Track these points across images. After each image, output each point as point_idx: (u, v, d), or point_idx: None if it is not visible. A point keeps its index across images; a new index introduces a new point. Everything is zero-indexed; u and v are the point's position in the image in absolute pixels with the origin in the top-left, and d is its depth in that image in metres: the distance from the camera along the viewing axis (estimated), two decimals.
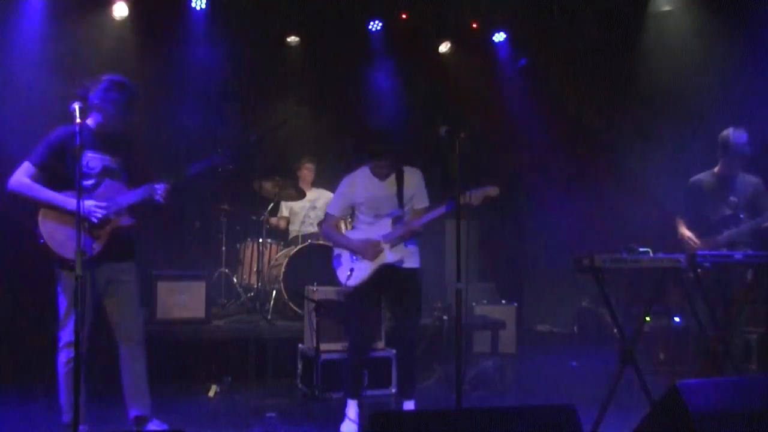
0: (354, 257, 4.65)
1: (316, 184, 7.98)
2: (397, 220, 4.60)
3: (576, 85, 8.44)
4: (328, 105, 8.73)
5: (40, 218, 3.95)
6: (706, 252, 4.36)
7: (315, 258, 6.74)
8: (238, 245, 7.61)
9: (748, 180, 5.34)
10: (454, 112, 8.75)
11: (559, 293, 8.81)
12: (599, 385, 4.76)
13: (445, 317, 6.64)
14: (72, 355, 3.84)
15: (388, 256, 4.58)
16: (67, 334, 4.00)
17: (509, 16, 8.65)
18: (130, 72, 7.40)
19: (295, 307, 6.57)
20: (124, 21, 7.57)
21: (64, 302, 4.02)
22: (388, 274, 4.60)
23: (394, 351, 5.67)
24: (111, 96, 4.05)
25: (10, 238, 6.18)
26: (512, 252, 8.99)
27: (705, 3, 7.75)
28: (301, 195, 7.45)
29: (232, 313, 7.00)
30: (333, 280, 6.30)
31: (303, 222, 7.80)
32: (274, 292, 6.84)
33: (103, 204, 4.00)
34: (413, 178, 4.65)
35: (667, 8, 8.11)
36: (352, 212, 4.82)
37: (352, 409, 4.66)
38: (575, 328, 8.68)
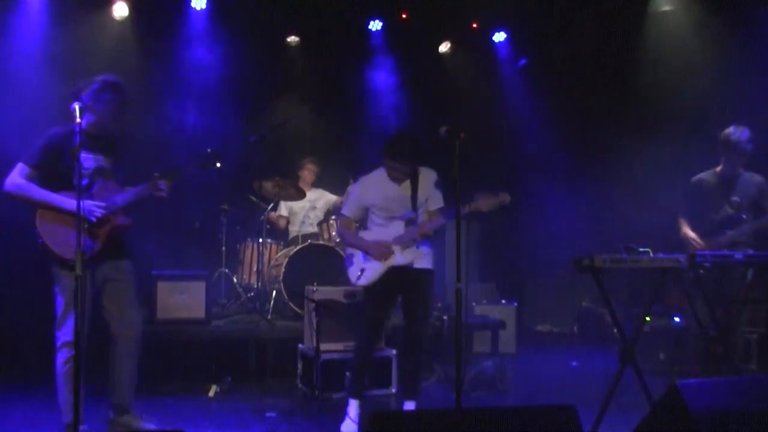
0: (366, 258, 4.66)
1: (316, 184, 7.99)
2: (409, 223, 4.61)
3: (576, 85, 8.44)
4: (328, 105, 8.73)
5: (37, 218, 3.96)
6: (706, 252, 4.36)
7: (315, 258, 6.75)
8: (238, 245, 7.62)
9: (752, 179, 5.32)
10: (454, 112, 8.75)
11: (559, 293, 8.81)
12: (599, 385, 4.76)
13: (445, 317, 6.64)
14: (70, 354, 3.85)
15: (399, 258, 4.59)
16: (64, 334, 4.00)
17: (509, 16, 8.65)
18: (130, 72, 7.48)
19: (295, 307, 6.57)
20: (124, 21, 7.56)
21: (62, 302, 4.02)
22: (398, 276, 4.61)
23: (394, 351, 5.68)
24: (103, 96, 4.06)
25: (9, 238, 6.19)
26: (512, 252, 8.99)
27: (705, 3, 7.75)
28: (301, 195, 7.45)
29: (232, 313, 7.00)
30: (333, 280, 6.35)
31: (303, 222, 7.81)
32: (274, 292, 6.84)
33: (101, 204, 4.02)
34: (428, 180, 4.66)
35: (667, 8, 8.11)
36: (365, 214, 4.82)
37: (353, 409, 4.66)
38: (575, 328, 8.68)
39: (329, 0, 8.20)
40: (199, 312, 6.22)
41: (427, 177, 4.66)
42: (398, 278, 4.61)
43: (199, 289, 6.27)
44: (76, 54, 7.21)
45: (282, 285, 6.64)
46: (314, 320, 5.28)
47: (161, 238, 7.20)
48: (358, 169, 8.00)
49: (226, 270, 7.50)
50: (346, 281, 6.52)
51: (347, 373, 5.52)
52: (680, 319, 6.04)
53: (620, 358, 4.12)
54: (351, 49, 8.65)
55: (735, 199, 5.26)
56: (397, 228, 4.63)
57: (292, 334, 6.17)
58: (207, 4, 7.81)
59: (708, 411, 2.69)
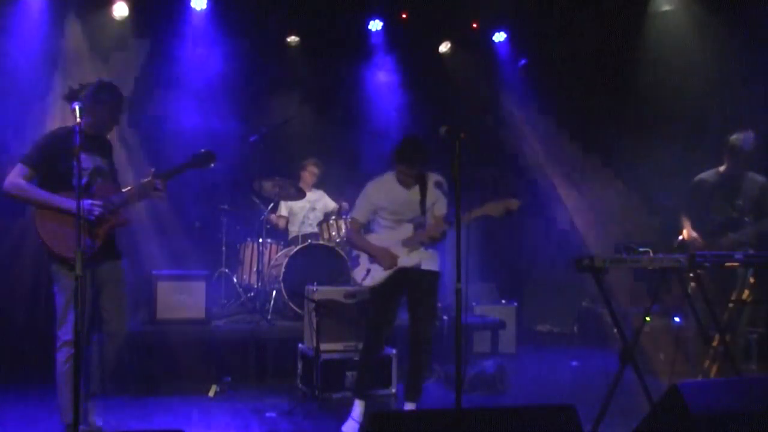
0: (372, 259, 4.67)
1: (317, 185, 8.00)
2: (418, 226, 4.62)
3: (576, 85, 8.44)
4: (328, 105, 8.72)
5: (37, 218, 3.99)
6: (706, 252, 4.36)
7: (315, 258, 6.75)
8: (238, 245, 7.61)
9: (755, 180, 5.31)
10: (453, 112, 8.75)
11: (559, 293, 8.81)
12: (599, 385, 4.76)
13: (445, 317, 6.64)
14: (71, 353, 3.86)
15: (406, 259, 4.61)
16: (65, 333, 4.03)
17: (509, 16, 8.65)
18: (129, 72, 7.48)
19: (295, 307, 6.57)
20: (124, 21, 7.56)
21: (62, 301, 4.04)
22: (405, 277, 4.63)
23: (394, 351, 5.68)
24: (100, 98, 4.12)
25: (7, 239, 6.20)
26: (512, 252, 9.00)
27: (705, 3, 7.75)
28: (301, 195, 7.45)
29: (232, 313, 6.99)
30: (333, 280, 6.35)
31: (302, 223, 7.81)
32: (274, 292, 6.84)
33: (99, 203, 4.05)
34: (436, 185, 4.68)
35: (667, 8, 8.11)
36: (373, 216, 4.83)
37: (357, 408, 4.67)
38: (575, 328, 8.68)
39: (329, 0, 8.20)
40: (199, 312, 6.22)
41: (435, 182, 4.67)
42: (405, 279, 4.62)
43: (199, 289, 6.27)
44: (76, 54, 7.22)
45: (282, 285, 6.64)
46: (314, 320, 5.28)
47: (161, 238, 7.21)
48: (358, 168, 8.06)
49: (226, 270, 7.50)
50: (349, 281, 6.58)
51: (347, 373, 5.53)
52: (680, 319, 6.04)
53: (620, 358, 4.11)
54: (351, 49, 8.65)
55: (739, 202, 5.25)
56: (405, 231, 4.65)
57: (292, 334, 6.17)
58: (207, 4, 7.80)
59: (708, 411, 2.69)
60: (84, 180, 4.04)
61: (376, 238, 4.76)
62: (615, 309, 4.32)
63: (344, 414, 4.69)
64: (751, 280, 4.77)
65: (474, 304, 7.64)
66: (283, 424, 4.79)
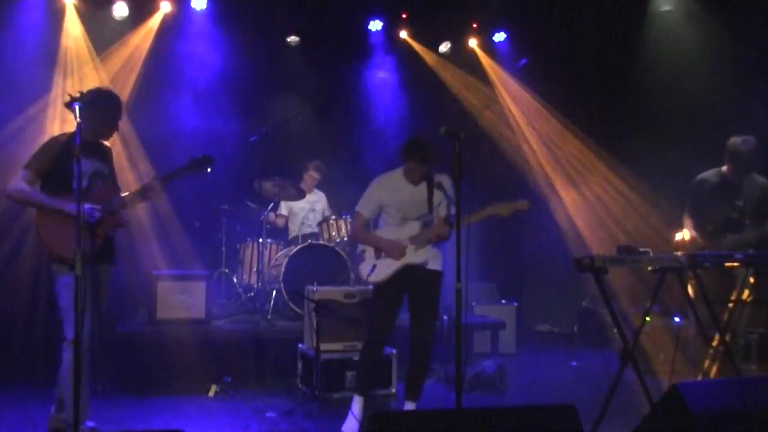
0: (378, 255, 4.66)
1: (318, 186, 8.01)
2: (425, 224, 4.62)
3: (576, 85, 8.45)
4: (328, 105, 8.73)
5: (38, 219, 4.11)
6: (706, 252, 4.36)
7: (315, 258, 6.75)
8: (238, 245, 7.61)
9: (756, 181, 5.30)
10: (453, 112, 8.76)
11: (559, 293, 8.81)
12: (599, 385, 4.76)
13: (445, 317, 6.64)
14: (81, 348, 3.90)
15: (412, 257, 4.60)
16: (71, 332, 4.04)
17: (509, 16, 8.65)
18: (130, 72, 7.47)
19: (295, 307, 6.57)
20: (124, 21, 7.56)
21: (65, 299, 4.08)
22: (410, 275, 4.62)
23: (394, 350, 5.68)
24: (99, 105, 4.22)
25: (5, 240, 6.21)
26: (512, 252, 9.00)
27: (705, 3, 7.75)
28: (300, 195, 7.45)
29: (232, 313, 7.00)
30: (333, 280, 6.35)
31: (302, 223, 7.81)
32: (274, 292, 6.84)
33: (98, 206, 4.14)
34: (443, 185, 4.68)
35: (667, 8, 8.11)
36: (378, 212, 4.83)
37: (357, 405, 4.66)
38: (575, 328, 8.68)
39: (329, 0, 8.21)
40: (199, 312, 6.22)
41: (442, 182, 4.67)
42: (409, 277, 4.61)
43: (199, 289, 6.28)
44: (76, 54, 7.23)
45: (282, 285, 6.64)
46: (314, 320, 5.28)
47: (161, 238, 7.21)
48: (358, 168, 8.06)
49: (226, 270, 7.50)
50: (349, 281, 6.58)
51: (347, 373, 5.53)
52: (680, 319, 6.04)
53: (620, 358, 4.12)
54: (351, 49, 8.65)
55: (739, 203, 5.25)
56: (412, 228, 4.64)
57: (292, 334, 6.17)
58: (207, 4, 7.80)
59: (708, 411, 2.69)
60: (84, 183, 4.08)
61: (382, 235, 4.75)
62: (615, 309, 4.32)
63: (344, 414, 4.69)
64: (751, 280, 4.76)
65: (474, 304, 7.64)
66: (283, 424, 4.79)
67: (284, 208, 7.90)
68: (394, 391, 5.63)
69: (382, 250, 4.64)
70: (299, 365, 5.85)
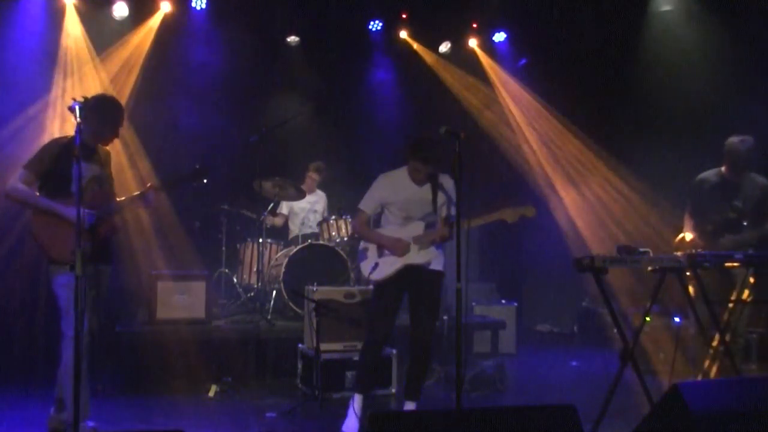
0: (381, 253, 4.66)
1: (320, 186, 8.02)
2: (429, 225, 4.62)
3: (576, 85, 8.45)
4: (328, 105, 8.73)
5: (34, 220, 4.18)
6: (706, 252, 4.36)
7: (315, 258, 6.75)
8: (238, 245, 7.61)
9: (756, 182, 5.30)
10: (453, 112, 8.76)
11: (559, 293, 8.82)
12: (599, 385, 4.77)
13: (445, 317, 6.64)
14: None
15: (416, 256, 4.59)
16: (69, 327, 4.10)
17: (509, 16, 8.65)
18: (130, 72, 7.47)
19: (295, 307, 6.57)
20: (124, 21, 7.57)
21: (63, 297, 4.13)
22: (413, 274, 4.61)
23: (394, 351, 5.68)
24: (102, 111, 4.28)
25: (6, 240, 6.21)
26: (512, 252, 9.01)
27: (705, 3, 7.75)
28: (301, 195, 7.45)
29: (232, 313, 6.99)
30: (333, 280, 6.35)
31: (303, 223, 7.82)
32: (274, 292, 6.84)
33: (92, 211, 4.20)
34: (446, 186, 4.68)
35: (667, 8, 8.11)
36: (381, 211, 4.82)
37: (357, 403, 4.65)
38: (575, 328, 8.68)
39: (329, 0, 8.21)
40: (199, 312, 6.22)
41: (445, 183, 4.68)
42: (411, 277, 4.61)
43: (199, 289, 6.27)
44: (76, 54, 7.23)
45: (282, 285, 6.64)
46: (314, 320, 5.28)
47: (161, 238, 7.21)
48: (358, 168, 8.06)
49: (226, 270, 7.50)
50: (349, 281, 6.59)
51: (347, 373, 5.53)
52: (680, 319, 6.04)
53: (620, 358, 4.12)
54: (351, 49, 8.65)
55: (737, 203, 5.25)
56: (415, 228, 4.64)
57: (292, 334, 6.17)
58: (207, 4, 7.81)
59: (708, 411, 2.69)
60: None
61: (385, 234, 4.74)
62: (615, 309, 4.32)
63: (344, 414, 4.68)
64: (751, 280, 4.76)
65: (474, 304, 7.64)
66: (283, 424, 4.79)
67: (285, 207, 7.90)
68: (394, 391, 5.63)
69: (385, 246, 4.63)
70: (299, 365, 5.85)
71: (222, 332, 6.25)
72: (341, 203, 7.67)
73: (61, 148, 4.21)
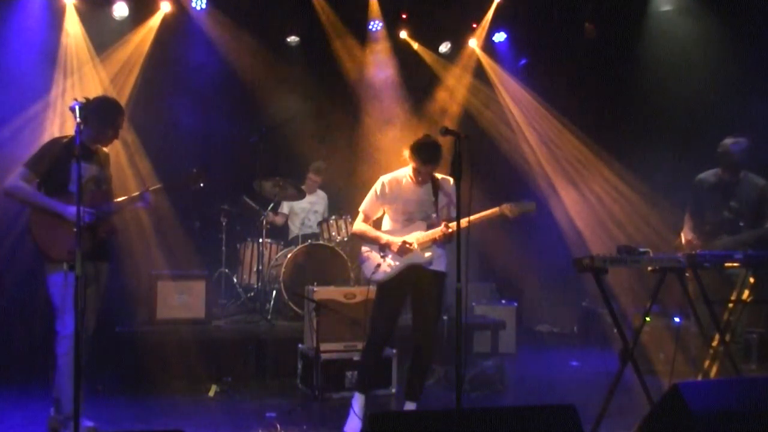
0: (382, 253, 4.66)
1: (320, 186, 8.02)
2: (431, 225, 4.62)
3: (576, 85, 8.45)
4: (327, 105, 8.72)
5: (31, 218, 4.21)
6: (706, 252, 4.36)
7: (315, 258, 6.75)
8: (238, 245, 7.61)
9: (753, 182, 5.30)
10: (453, 112, 8.76)
11: (559, 293, 8.81)
12: (599, 385, 4.76)
13: (445, 317, 6.64)
14: (69, 346, 4.02)
15: (417, 256, 4.59)
16: (63, 328, 4.16)
17: (509, 16, 8.65)
18: (130, 72, 7.46)
19: (295, 307, 6.57)
20: (124, 21, 7.56)
21: (57, 296, 4.17)
22: (415, 275, 4.61)
23: (394, 351, 5.68)
24: (103, 113, 4.33)
25: (6, 238, 6.21)
26: (512, 252, 9.00)
27: (705, 3, 7.75)
28: (301, 195, 7.45)
29: (232, 313, 7.00)
30: (333, 280, 6.35)
31: (303, 224, 7.82)
32: (274, 292, 6.84)
33: (91, 210, 4.22)
34: (447, 187, 4.69)
35: (667, 8, 8.11)
36: (382, 214, 4.82)
37: (357, 402, 4.64)
38: (575, 328, 8.68)
39: (329, 0, 8.21)
40: (199, 312, 6.23)
41: (446, 185, 4.68)
42: (414, 277, 4.61)
43: (199, 289, 6.28)
44: (76, 54, 7.22)
45: (282, 285, 6.64)
46: (314, 320, 5.28)
47: (161, 238, 7.20)
48: (358, 168, 8.06)
49: (226, 270, 7.50)
50: (349, 281, 6.58)
51: (347, 373, 5.53)
52: (680, 319, 6.04)
53: (620, 358, 4.11)
54: (351, 49, 8.65)
55: (733, 204, 5.25)
56: (416, 229, 4.63)
57: (292, 334, 6.17)
58: (207, 4, 7.80)
59: (708, 411, 2.69)
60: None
61: (387, 234, 4.74)
62: (615, 309, 4.32)
63: (344, 414, 4.68)
64: (751, 280, 4.76)
65: (474, 304, 7.64)
66: (283, 424, 4.79)
67: (285, 207, 7.91)
68: (394, 391, 5.63)
69: (387, 247, 4.63)
70: (299, 365, 5.85)
71: (222, 332, 6.26)
72: (341, 203, 7.68)
73: (62, 147, 4.24)
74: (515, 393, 5.88)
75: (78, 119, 3.68)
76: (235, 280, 7.42)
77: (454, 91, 9.06)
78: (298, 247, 6.83)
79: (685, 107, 7.59)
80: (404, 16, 8.73)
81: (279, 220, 7.87)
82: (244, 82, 8.12)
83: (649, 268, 4.33)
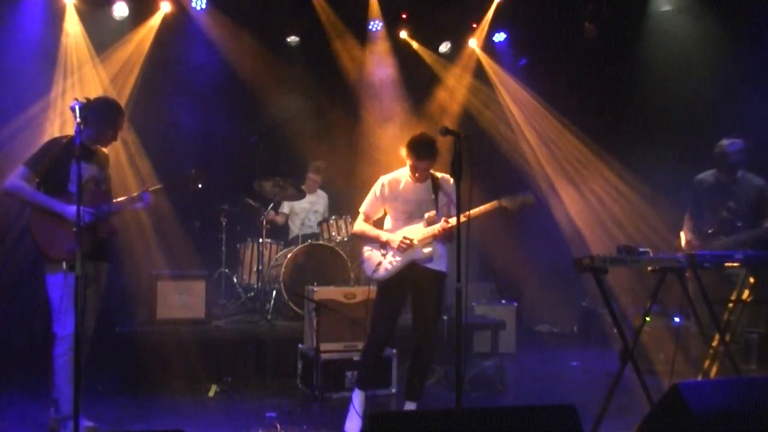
0: (383, 251, 4.65)
1: (321, 186, 8.01)
2: (431, 222, 4.62)
3: (576, 85, 8.45)
4: (328, 105, 8.72)
5: (31, 218, 4.22)
6: (706, 252, 4.36)
7: (315, 258, 6.75)
8: (238, 245, 7.61)
9: (752, 183, 5.30)
10: (454, 112, 8.75)
11: (559, 293, 8.81)
12: (599, 385, 4.76)
13: (445, 317, 6.64)
14: (67, 346, 4.05)
15: (418, 252, 4.59)
16: (61, 329, 4.16)
17: (509, 16, 8.65)
18: (130, 72, 7.46)
19: (295, 307, 6.57)
20: (124, 21, 7.56)
21: (55, 296, 4.18)
22: (415, 273, 4.61)
23: (394, 351, 5.68)
24: (103, 115, 4.35)
25: (6, 238, 6.21)
26: (512, 252, 9.00)
27: (705, 3, 7.75)
28: (301, 195, 7.45)
29: (232, 313, 6.99)
30: (333, 280, 6.35)
31: (303, 224, 7.82)
32: (274, 292, 6.84)
33: (90, 210, 4.22)
34: (447, 186, 4.69)
35: (667, 8, 8.11)
36: (383, 215, 4.82)
37: (357, 398, 4.63)
38: (575, 328, 8.67)
39: (329, 0, 8.21)
40: (199, 312, 6.22)
41: (447, 184, 4.68)
42: (414, 275, 4.61)
43: (199, 289, 6.28)
44: (76, 54, 7.22)
45: (282, 285, 6.64)
46: (314, 320, 5.28)
47: (161, 238, 7.20)
48: (358, 169, 8.06)
49: (226, 270, 7.50)
50: (349, 281, 6.58)
51: (347, 373, 5.53)
52: (680, 319, 6.04)
53: (620, 358, 4.11)
54: (351, 49, 8.65)
55: (731, 204, 5.26)
56: (417, 227, 4.63)
57: (292, 334, 6.17)
58: (207, 4, 7.80)
59: (708, 411, 2.69)
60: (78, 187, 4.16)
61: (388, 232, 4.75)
62: (615, 309, 4.32)
63: (344, 414, 4.67)
64: (751, 280, 4.77)
65: (474, 304, 7.64)
66: (283, 424, 4.79)
67: (286, 206, 7.91)
68: (394, 391, 5.63)
69: (388, 243, 4.63)
70: (299, 365, 5.85)
71: (222, 332, 6.25)
72: (341, 204, 7.68)
73: (62, 147, 4.25)
74: (515, 393, 5.88)
75: (78, 119, 3.69)
76: (235, 280, 7.42)
77: (454, 91, 9.06)
78: (298, 247, 6.83)
79: (685, 107, 7.59)
80: (404, 16, 8.72)
81: (280, 219, 7.87)
82: (244, 82, 8.12)
83: (649, 268, 4.33)
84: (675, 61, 7.79)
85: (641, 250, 4.16)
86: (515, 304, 7.76)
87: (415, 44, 8.93)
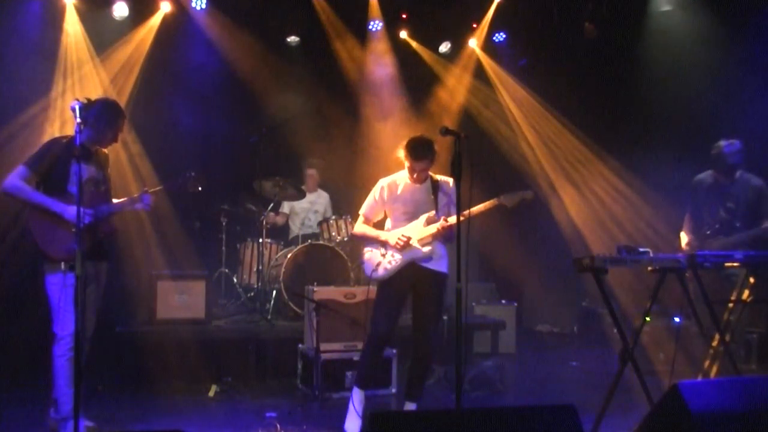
0: (383, 251, 4.65)
1: (321, 185, 8.01)
2: (430, 221, 4.62)
3: (576, 85, 8.45)
4: (327, 105, 8.72)
5: (30, 217, 4.23)
6: (706, 252, 4.36)
7: (315, 258, 6.75)
8: (238, 245, 7.62)
9: (750, 183, 5.30)
10: (453, 112, 8.75)
11: (559, 293, 8.81)
12: (599, 385, 4.76)
13: (445, 317, 6.64)
14: (68, 347, 4.06)
15: (417, 251, 4.59)
16: (60, 329, 4.17)
17: (509, 16, 8.65)
18: (130, 72, 7.46)
19: (295, 307, 6.57)
20: (124, 21, 7.56)
21: (55, 296, 4.18)
22: (415, 273, 4.61)
23: (394, 351, 5.68)
24: (104, 116, 4.35)
25: (6, 238, 6.21)
26: (512, 252, 9.00)
27: (705, 3, 7.75)
28: (301, 195, 7.46)
29: (232, 313, 7.00)
30: (333, 280, 6.35)
31: (303, 224, 7.82)
32: (274, 292, 6.84)
33: (90, 211, 4.23)
34: (446, 187, 4.70)
35: (667, 8, 8.11)
36: (383, 216, 4.83)
37: (357, 397, 4.62)
38: (575, 328, 8.67)
39: (329, 0, 8.21)
40: (199, 312, 6.23)
41: (446, 185, 4.69)
42: (414, 275, 4.61)
43: (199, 289, 6.28)
44: (76, 54, 7.22)
45: (282, 285, 6.64)
46: (314, 320, 5.28)
47: (161, 238, 7.21)
48: (359, 169, 8.06)
49: (226, 270, 7.50)
50: (349, 281, 6.58)
51: (347, 373, 5.53)
52: (680, 319, 6.04)
53: (620, 358, 4.11)
54: (351, 49, 8.65)
55: (729, 205, 5.26)
56: (418, 227, 4.63)
57: (292, 334, 6.17)
58: (207, 4, 7.80)
59: (708, 411, 2.69)
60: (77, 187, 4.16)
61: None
62: (615, 309, 4.32)
63: (344, 414, 4.67)
64: (751, 280, 4.77)
65: (474, 304, 7.64)
66: (283, 424, 4.79)
67: (286, 206, 7.91)
68: (394, 391, 5.63)
69: (387, 243, 4.63)
70: (299, 365, 5.85)
71: (222, 332, 6.26)
72: (341, 204, 7.68)
73: (62, 147, 4.25)
74: (515, 393, 5.88)
75: (78, 119, 3.70)
76: (235, 280, 7.43)
77: (453, 90, 9.06)
78: (298, 247, 6.83)
79: (685, 107, 7.58)
80: (404, 16, 8.72)
81: (280, 219, 7.88)
82: (244, 82, 8.12)
83: (649, 268, 4.33)
84: (675, 61, 7.78)
85: (641, 250, 4.16)
86: (515, 304, 7.76)
87: (414, 44, 8.93)
